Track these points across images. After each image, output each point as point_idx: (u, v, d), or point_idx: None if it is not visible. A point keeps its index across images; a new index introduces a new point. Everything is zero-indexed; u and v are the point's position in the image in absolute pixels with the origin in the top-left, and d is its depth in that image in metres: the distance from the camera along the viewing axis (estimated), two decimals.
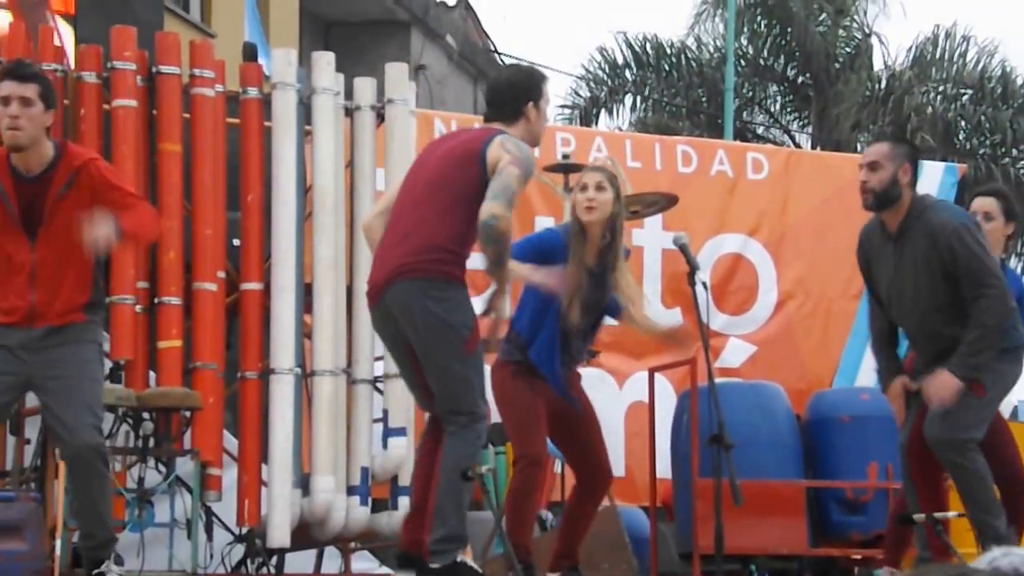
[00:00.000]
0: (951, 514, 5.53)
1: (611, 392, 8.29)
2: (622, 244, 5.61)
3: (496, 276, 4.94)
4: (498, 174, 4.89)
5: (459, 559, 5.03)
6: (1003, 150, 20.86)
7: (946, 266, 5.38)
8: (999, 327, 5.36)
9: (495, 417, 5.49)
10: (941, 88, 21.10)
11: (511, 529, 5.43)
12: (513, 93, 5.12)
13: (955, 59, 21.13)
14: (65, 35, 6.69)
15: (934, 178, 9.20)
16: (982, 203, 5.91)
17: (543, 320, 5.44)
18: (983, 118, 20.75)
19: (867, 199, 5.52)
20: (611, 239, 5.51)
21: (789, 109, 22.26)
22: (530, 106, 5.11)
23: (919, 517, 5.62)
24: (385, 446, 6.68)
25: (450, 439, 5.01)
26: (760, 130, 22.37)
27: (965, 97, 21.14)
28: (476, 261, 5.13)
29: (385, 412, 6.69)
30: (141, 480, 5.94)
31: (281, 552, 6.49)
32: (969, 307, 5.36)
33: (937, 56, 21.14)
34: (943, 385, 5.35)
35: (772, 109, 22.38)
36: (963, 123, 21.15)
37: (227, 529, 6.51)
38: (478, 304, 5.09)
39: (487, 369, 5.26)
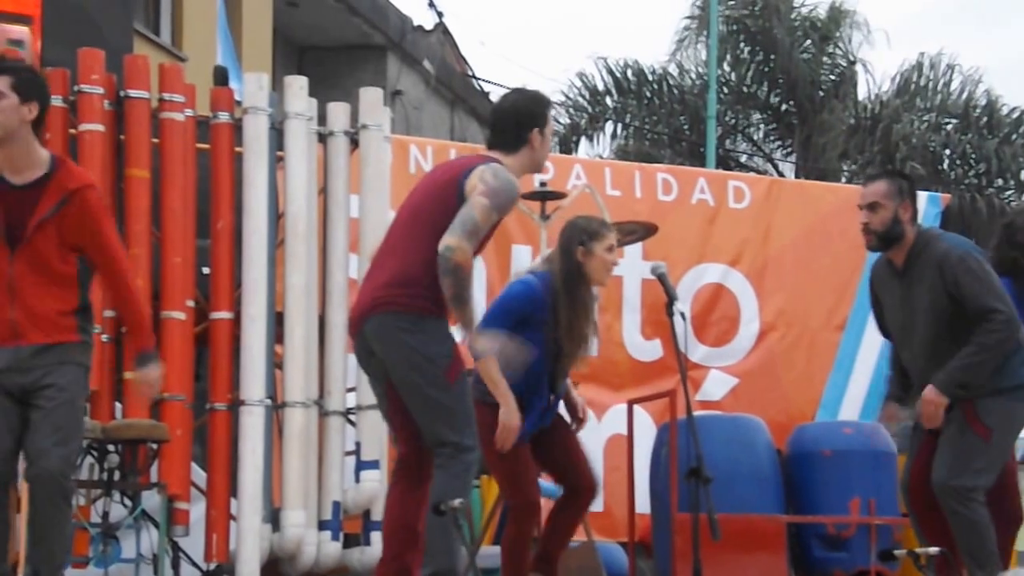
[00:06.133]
0: (932, 550, 5.42)
1: (590, 424, 8.06)
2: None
3: (457, 313, 4.83)
4: (466, 203, 4.81)
5: None
6: (988, 180, 20.86)
7: (952, 297, 5.34)
8: (999, 350, 5.31)
9: None
10: (926, 117, 21.12)
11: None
12: (517, 120, 5.04)
13: (940, 88, 21.15)
14: None
15: (918, 207, 9.11)
16: None
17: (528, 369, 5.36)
18: (968, 147, 20.76)
19: (870, 241, 5.50)
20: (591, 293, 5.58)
21: (772, 137, 22.27)
22: (535, 133, 5.04)
23: (900, 552, 5.55)
24: (357, 479, 6.61)
25: (437, 472, 4.92)
26: (743, 158, 22.34)
27: (950, 126, 21.16)
28: None
29: (357, 444, 6.62)
30: (106, 514, 5.84)
31: None
32: (973, 335, 5.32)
33: (922, 85, 21.16)
34: (931, 405, 5.32)
35: (755, 137, 22.38)
36: (948, 152, 21.16)
37: (194, 565, 6.42)
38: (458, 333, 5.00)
39: None
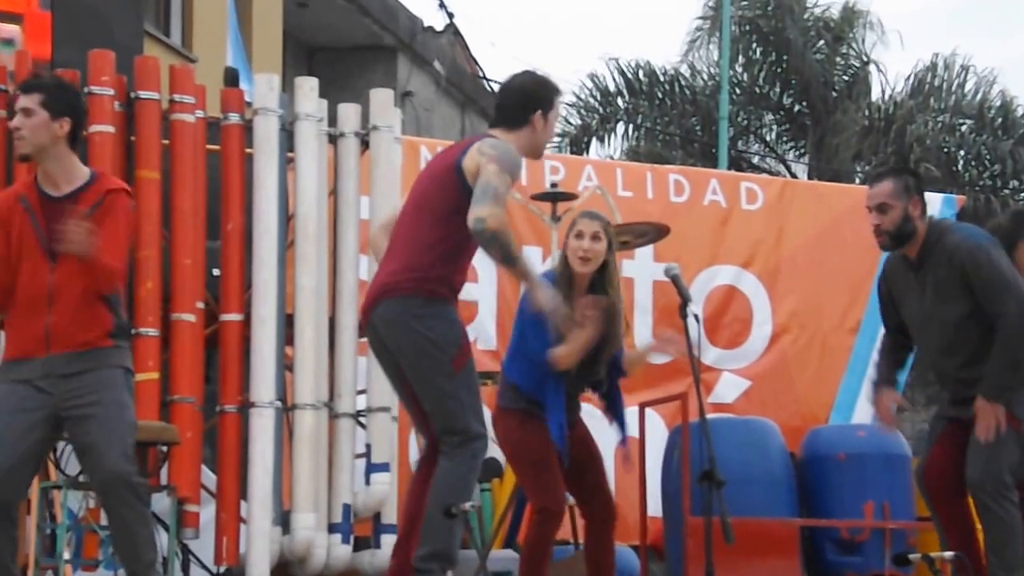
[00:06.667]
0: (948, 554, 5.37)
1: (600, 427, 8.11)
2: (617, 288, 5.49)
3: (514, 274, 4.85)
4: (479, 177, 4.79)
5: None
6: (1003, 181, 20.74)
7: (965, 289, 5.31)
8: (1022, 341, 5.27)
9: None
10: (940, 118, 20.98)
11: None
12: (522, 99, 5.03)
13: (954, 89, 21.00)
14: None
15: (932, 209, 9.02)
16: None
17: (542, 371, 5.29)
18: (983, 148, 20.63)
19: (883, 242, 5.46)
20: (608, 288, 5.43)
21: (785, 138, 22.15)
22: (538, 115, 5.03)
23: (914, 557, 5.50)
24: (368, 482, 6.57)
25: (443, 459, 4.91)
26: (755, 159, 22.25)
27: (964, 127, 21.02)
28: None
29: (368, 447, 6.59)
30: None
31: None
32: (993, 327, 5.29)
33: (936, 85, 21.02)
34: (987, 420, 5.25)
35: (768, 138, 22.27)
36: (963, 154, 21.02)
37: (204, 568, 6.40)
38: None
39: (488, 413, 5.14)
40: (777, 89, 21.41)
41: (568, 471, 5.44)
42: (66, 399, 4.78)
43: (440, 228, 4.83)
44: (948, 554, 5.37)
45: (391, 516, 6.52)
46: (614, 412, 5.60)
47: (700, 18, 21.44)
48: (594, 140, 21.34)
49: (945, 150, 20.71)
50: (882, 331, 8.72)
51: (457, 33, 21.60)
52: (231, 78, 6.76)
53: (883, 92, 21.49)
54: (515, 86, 5.11)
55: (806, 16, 21.18)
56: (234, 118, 6.51)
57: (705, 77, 21.42)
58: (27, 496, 5.45)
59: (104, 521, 5.80)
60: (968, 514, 5.45)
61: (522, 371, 5.35)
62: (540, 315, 5.12)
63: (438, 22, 21.35)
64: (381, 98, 6.82)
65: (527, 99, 5.02)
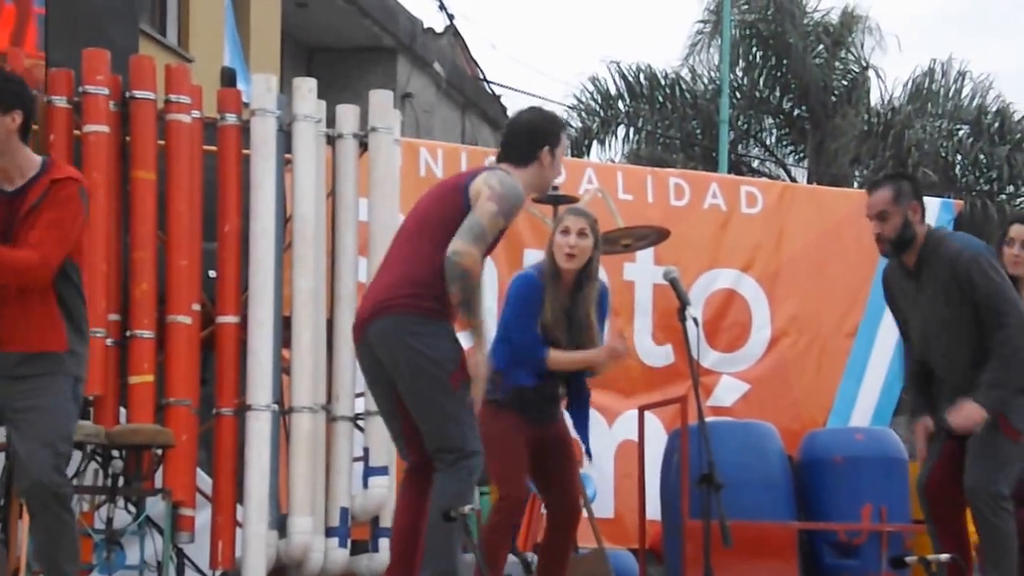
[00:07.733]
0: (943, 556, 5.36)
1: (600, 430, 8.11)
2: (596, 286, 5.55)
3: (466, 319, 4.81)
4: (473, 209, 4.81)
5: None
6: (1000, 186, 20.78)
7: (966, 296, 5.33)
8: (1020, 356, 5.29)
9: None
10: (938, 123, 21.03)
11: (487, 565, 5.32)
12: (531, 136, 5.06)
13: (951, 94, 21.07)
14: None
15: (930, 214, 8.95)
16: (1019, 230, 5.86)
17: (520, 361, 5.33)
18: (980, 154, 20.68)
19: (884, 249, 5.50)
20: (586, 282, 5.49)
21: (785, 142, 22.20)
22: (545, 151, 5.05)
23: (911, 559, 5.51)
24: (366, 485, 6.54)
25: (438, 477, 4.89)
26: (755, 163, 22.28)
27: (962, 132, 21.07)
28: None
29: (366, 450, 6.56)
30: (110, 521, 5.77)
31: None
32: (990, 338, 5.31)
33: (934, 91, 21.07)
34: (968, 414, 5.28)
35: (768, 142, 22.31)
36: (960, 158, 21.08)
37: (199, 572, 6.37)
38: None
39: None
40: (777, 93, 21.45)
41: (533, 469, 5.47)
42: (9, 399, 4.69)
43: (442, 247, 4.82)
44: (944, 556, 5.37)
45: (389, 520, 6.48)
46: (576, 413, 5.62)
47: (701, 22, 21.48)
48: (595, 143, 21.38)
49: (943, 155, 20.77)
50: (880, 336, 8.78)
51: (457, 35, 21.61)
52: (228, 78, 6.74)
53: (882, 97, 21.57)
54: (523, 122, 5.15)
55: (806, 21, 21.22)
56: (231, 119, 6.48)
57: (706, 81, 21.46)
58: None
59: (98, 524, 5.82)
60: (963, 526, 5.48)
61: (501, 359, 5.38)
62: (526, 307, 5.29)
63: (438, 23, 21.39)
64: (380, 100, 6.79)
65: (535, 135, 5.05)
